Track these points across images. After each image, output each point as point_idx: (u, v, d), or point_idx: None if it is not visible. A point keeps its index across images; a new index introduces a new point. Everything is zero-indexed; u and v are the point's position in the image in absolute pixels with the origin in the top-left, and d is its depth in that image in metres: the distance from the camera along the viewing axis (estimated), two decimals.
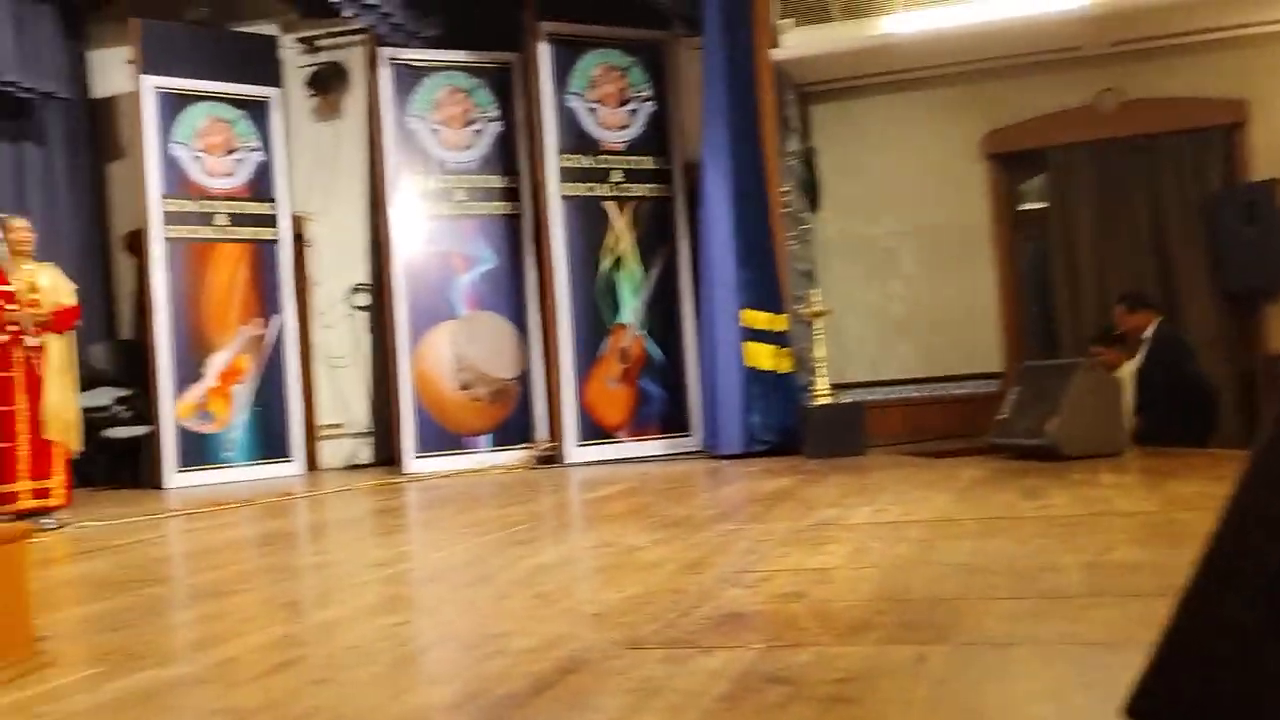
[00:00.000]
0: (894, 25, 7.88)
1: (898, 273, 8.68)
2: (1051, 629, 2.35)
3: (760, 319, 7.80)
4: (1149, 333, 7.01)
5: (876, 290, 8.69)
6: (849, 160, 8.69)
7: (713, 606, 2.81)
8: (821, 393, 7.57)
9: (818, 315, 7.71)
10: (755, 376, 7.73)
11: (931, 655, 2.17)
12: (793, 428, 7.60)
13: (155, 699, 2.25)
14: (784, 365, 7.79)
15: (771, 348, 7.78)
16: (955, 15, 7.73)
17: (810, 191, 8.72)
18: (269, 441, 8.86)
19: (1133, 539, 3.46)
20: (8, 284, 6.51)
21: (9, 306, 6.44)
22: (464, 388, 8.67)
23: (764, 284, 7.85)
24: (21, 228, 6.70)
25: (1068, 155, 8.33)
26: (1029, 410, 6.26)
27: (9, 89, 8.63)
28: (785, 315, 7.82)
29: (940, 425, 8.20)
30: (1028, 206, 8.75)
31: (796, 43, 8.02)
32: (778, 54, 8.00)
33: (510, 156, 8.90)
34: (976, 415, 7.61)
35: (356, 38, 9.24)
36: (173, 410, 8.45)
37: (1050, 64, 8.16)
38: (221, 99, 8.91)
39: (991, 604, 2.62)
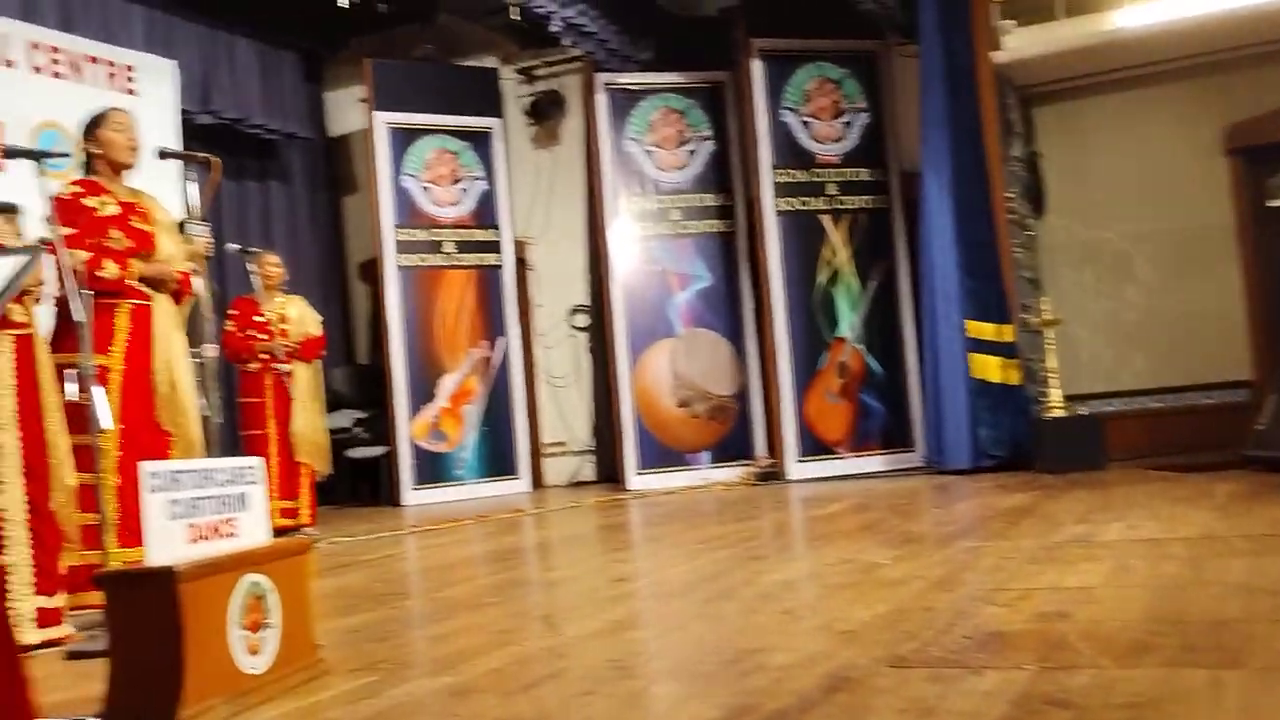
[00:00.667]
0: (1122, 20, 7.54)
1: (1132, 278, 8.27)
2: None
3: (986, 329, 7.56)
4: None
5: (1109, 297, 8.30)
6: (1076, 163, 8.34)
7: (971, 625, 2.73)
8: (1054, 404, 7.29)
9: (1048, 324, 7.43)
10: (982, 389, 7.50)
11: (1227, 680, 2.04)
12: (1024, 441, 7.34)
13: (433, 707, 2.34)
14: (1012, 377, 7.53)
15: (999, 359, 7.54)
16: (1189, 5, 7.33)
17: (1035, 196, 8.42)
18: (497, 459, 9.14)
19: None
20: (260, 315, 6.95)
21: (260, 336, 6.88)
22: (683, 405, 8.74)
23: (989, 293, 7.61)
24: (272, 263, 7.15)
25: None
26: None
27: (256, 131, 9.23)
28: (1012, 325, 7.56)
29: (1184, 438, 7.74)
30: (1278, 203, 8.19)
31: (1018, 44, 7.77)
32: (999, 56, 7.77)
33: (724, 174, 8.95)
34: (1223, 427, 7.16)
35: (573, 65, 9.48)
36: (408, 430, 8.83)
37: None
38: (447, 131, 9.28)
39: None
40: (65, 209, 3.65)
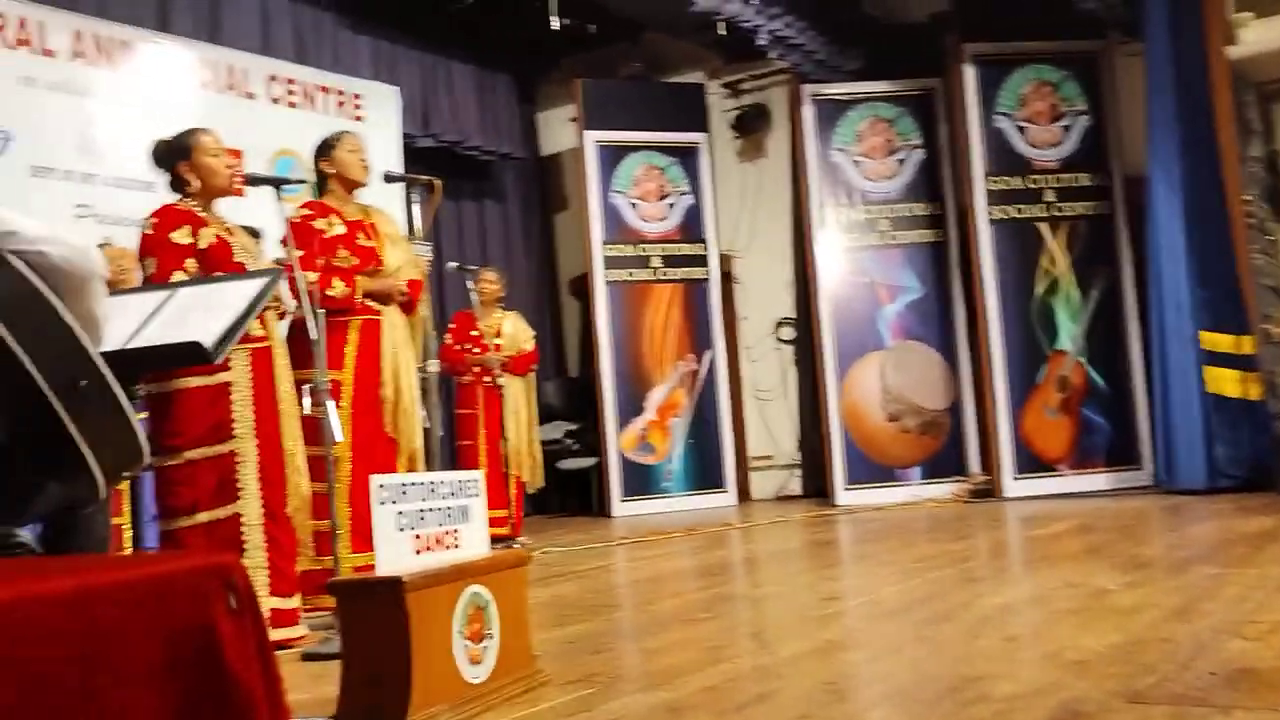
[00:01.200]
0: None
1: None
2: None
3: (1222, 341, 7.11)
4: None
5: None
6: None
7: (1216, 660, 2.55)
8: None
9: None
10: (1218, 404, 7.05)
11: None
12: (1265, 461, 6.86)
13: None
14: (1252, 391, 7.05)
15: (1237, 372, 7.07)
16: None
17: (1277, 200, 7.86)
18: (703, 472, 9.16)
19: None
20: (476, 330, 7.19)
21: (474, 350, 7.11)
22: (892, 419, 8.56)
23: (1225, 303, 7.15)
24: (489, 279, 7.40)
25: None
26: None
27: (473, 152, 9.56)
28: (1252, 336, 7.08)
29: None
30: None
31: (1256, 38, 7.28)
32: (1234, 51, 7.30)
33: (935, 183, 8.73)
34: None
35: (779, 78, 9.44)
36: (617, 442, 8.95)
37: None
38: (654, 147, 9.39)
39: None
40: (297, 231, 3.86)
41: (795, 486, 9.53)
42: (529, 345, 7.43)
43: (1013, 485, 7.97)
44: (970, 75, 8.24)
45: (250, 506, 3.54)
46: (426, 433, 4.10)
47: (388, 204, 4.84)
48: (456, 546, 2.64)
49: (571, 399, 9.83)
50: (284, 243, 3.59)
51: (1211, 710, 2.12)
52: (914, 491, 8.29)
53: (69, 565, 0.86)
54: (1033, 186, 8.21)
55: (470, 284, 7.05)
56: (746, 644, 3.23)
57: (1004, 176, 8.20)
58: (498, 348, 7.16)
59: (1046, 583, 3.94)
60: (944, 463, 8.49)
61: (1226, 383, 7.06)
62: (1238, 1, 7.29)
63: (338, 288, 4.03)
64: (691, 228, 9.43)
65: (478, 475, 2.76)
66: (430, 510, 2.58)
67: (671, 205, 9.40)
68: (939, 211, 8.70)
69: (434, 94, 9.19)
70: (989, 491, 8.09)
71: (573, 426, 9.51)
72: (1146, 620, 3.07)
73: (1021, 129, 8.24)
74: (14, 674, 0.74)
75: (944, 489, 8.26)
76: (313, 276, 3.87)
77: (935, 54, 8.59)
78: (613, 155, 9.29)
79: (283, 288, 3.54)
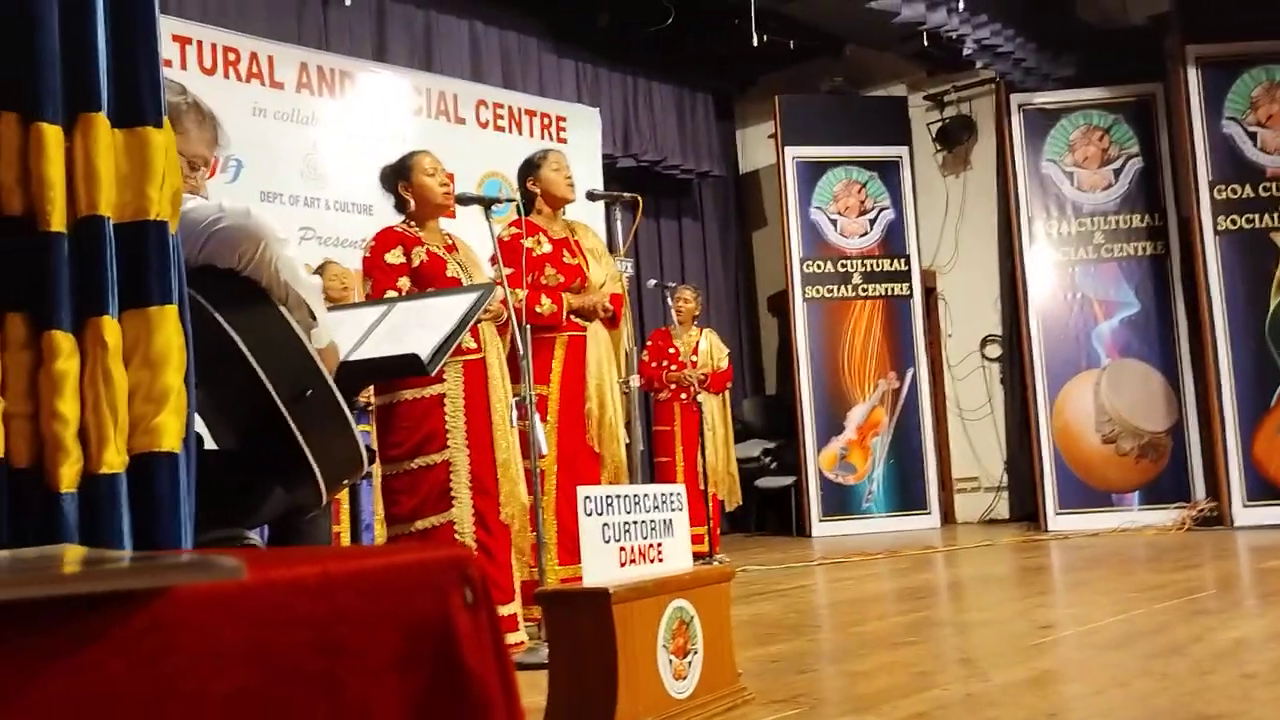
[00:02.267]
0: None
1: None
2: None
3: None
4: None
5: None
6: None
7: None
8: None
9: None
10: None
11: None
12: None
13: None
14: None
15: None
16: None
17: None
18: (905, 493, 8.94)
19: None
20: (673, 347, 7.23)
21: (672, 367, 7.15)
22: (1108, 441, 8.15)
23: None
24: (686, 297, 7.44)
25: None
26: None
27: (672, 171, 9.64)
28: None
29: None
30: None
31: None
32: None
33: (1154, 193, 8.29)
34: None
35: (983, 89, 9.18)
36: (816, 461, 8.83)
37: None
38: (854, 162, 9.25)
39: None
40: (506, 250, 3.96)
41: (1002, 510, 9.19)
42: (724, 363, 7.43)
43: (1242, 513, 7.47)
44: (1194, 79, 7.80)
45: (463, 515, 3.63)
46: (628, 448, 4.13)
47: (591, 222, 4.91)
48: (660, 560, 2.64)
49: (769, 417, 9.77)
50: (493, 261, 3.68)
51: None
52: (1131, 517, 7.87)
53: (311, 554, 0.89)
54: (1265, 195, 7.71)
55: (668, 301, 7.11)
56: (956, 670, 3.11)
57: (1232, 185, 7.72)
58: (695, 365, 7.18)
59: None
60: (1164, 488, 8.03)
61: None
62: None
63: (545, 305, 4.12)
64: (893, 243, 9.24)
65: (680, 489, 2.75)
66: (635, 523, 2.59)
67: (872, 220, 9.24)
68: (1159, 223, 8.27)
69: (634, 114, 9.31)
70: (1215, 519, 7.61)
71: (771, 445, 9.44)
72: None
73: (1253, 134, 7.75)
74: (260, 658, 0.76)
75: (1164, 515, 7.81)
76: (521, 294, 3.96)
77: (1155, 58, 8.19)
78: (812, 171, 9.20)
79: (505, 303, 3.63)
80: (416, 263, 3.72)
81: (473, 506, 3.65)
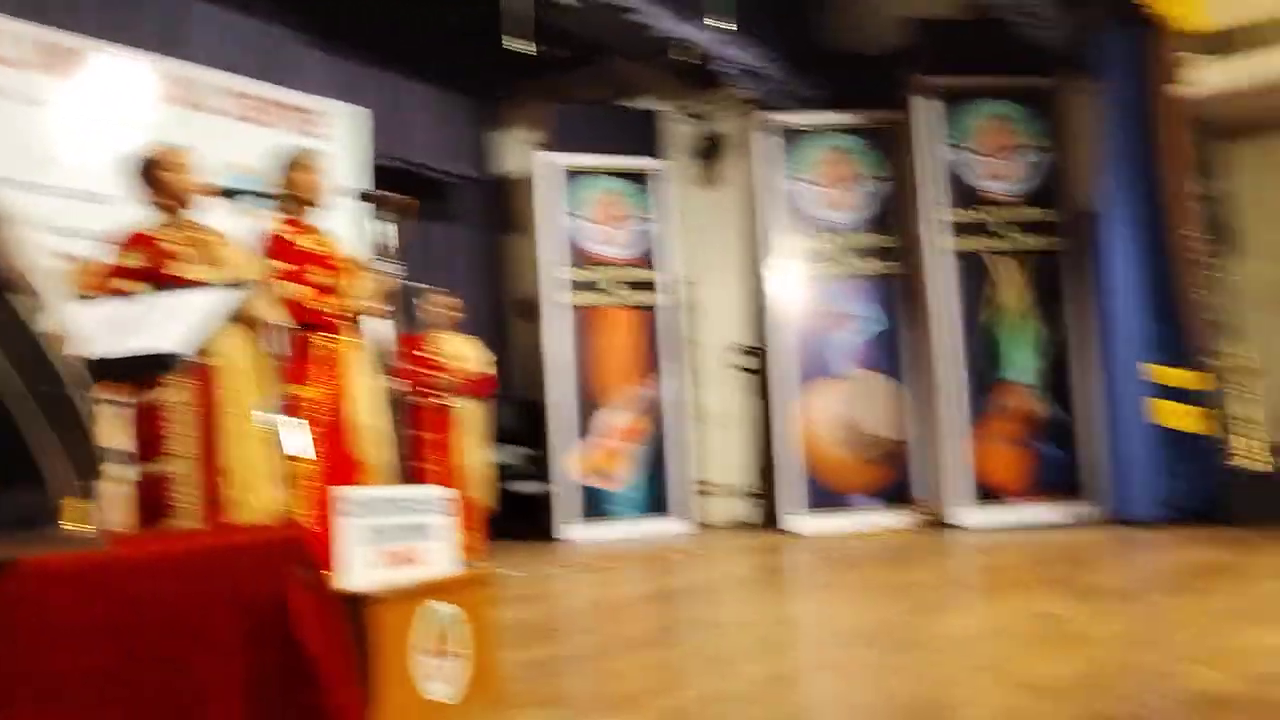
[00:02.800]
0: None
1: None
2: None
3: (1173, 375, 7.23)
4: None
5: None
6: (1271, 202, 7.92)
7: (1180, 686, 2.57)
8: (1250, 456, 6.89)
9: (1244, 371, 7.05)
10: (1168, 438, 7.16)
11: None
12: (1215, 494, 6.96)
13: None
14: (1202, 426, 7.16)
15: (1187, 406, 7.18)
16: None
17: (1225, 237, 8.02)
18: (658, 498, 9.12)
19: None
20: (427, 351, 7.13)
21: (427, 373, 7.05)
22: (848, 448, 8.58)
23: (1174, 338, 7.28)
24: (441, 302, 7.34)
25: None
26: None
27: (430, 174, 9.49)
28: (1201, 371, 7.21)
29: None
30: None
31: (1206, 78, 7.44)
32: (1184, 92, 7.46)
33: (893, 214, 8.79)
34: None
35: (738, 106, 9.49)
36: (570, 467, 8.90)
37: None
38: (613, 173, 9.39)
39: None
40: (272, 246, 3.80)
41: (750, 514, 9.51)
42: (484, 367, 7.38)
43: (965, 515, 8.02)
44: (927, 108, 8.33)
45: (183, 524, 3.45)
46: (387, 452, 4.04)
47: (355, 225, 4.79)
48: (421, 563, 2.59)
49: (524, 423, 9.76)
50: (253, 256, 3.54)
51: None
52: (868, 520, 8.31)
53: (156, 536, 0.84)
54: (987, 220, 8.30)
55: (421, 306, 7.00)
56: (710, 668, 3.19)
57: (960, 210, 8.28)
58: (450, 370, 7.10)
59: (1008, 611, 3.95)
60: (898, 492, 8.51)
61: (1177, 417, 7.17)
62: (1186, 44, 7.45)
63: (299, 302, 3.98)
64: (650, 253, 9.43)
65: (449, 493, 2.72)
66: (395, 526, 2.54)
67: (630, 230, 9.39)
68: (897, 243, 8.77)
69: (392, 114, 9.12)
70: (940, 521, 8.13)
71: (525, 451, 9.44)
72: (1108, 648, 3.09)
73: (978, 163, 8.34)
74: (114, 637, 0.73)
75: (898, 518, 8.29)
76: (283, 291, 3.81)
77: (894, 86, 8.69)
78: (571, 179, 9.27)
79: (260, 302, 3.48)
80: (151, 262, 3.52)
81: (199, 516, 3.46)
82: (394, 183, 8.25)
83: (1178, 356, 7.25)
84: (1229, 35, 7.37)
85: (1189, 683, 2.59)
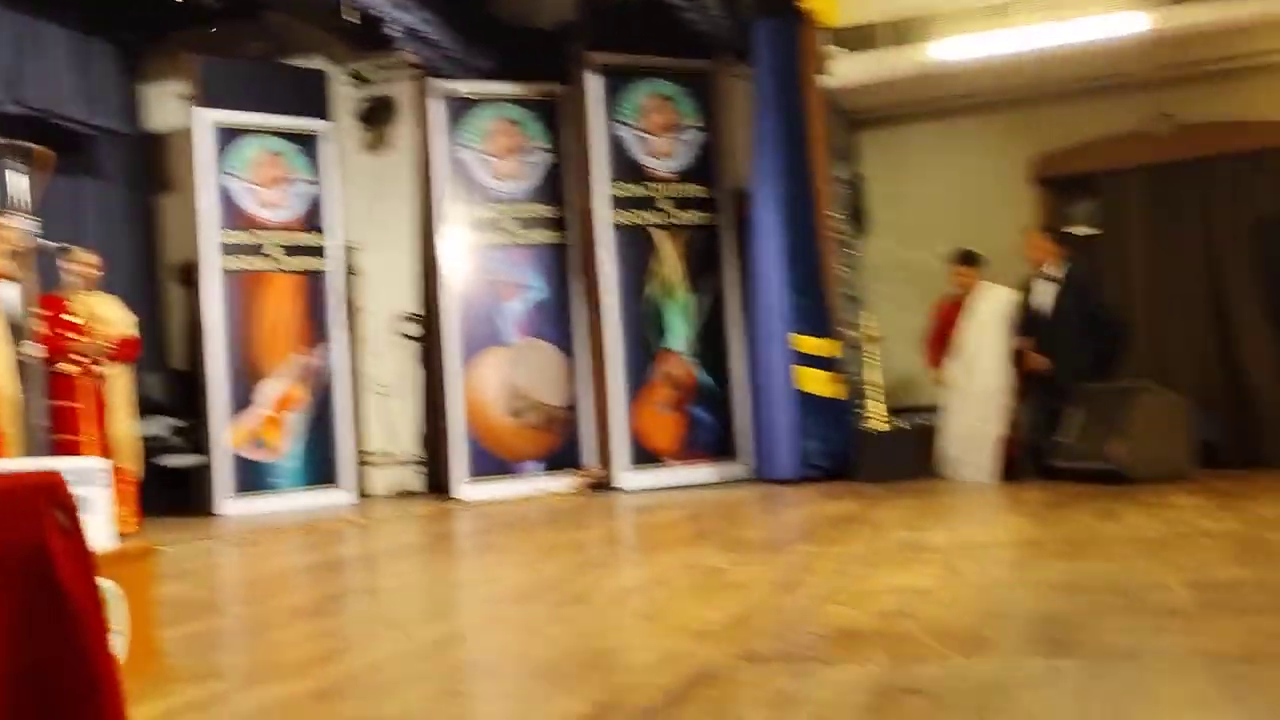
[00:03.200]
0: (942, 53, 7.91)
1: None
2: (1174, 643, 2.36)
3: (812, 344, 7.83)
4: (1062, 269, 7.05)
5: (926, 315, 8.68)
6: (898, 186, 8.72)
7: (820, 623, 2.83)
8: (876, 418, 7.58)
9: (869, 340, 7.74)
10: (808, 402, 7.75)
11: (1064, 668, 2.19)
12: (847, 453, 7.61)
13: (293, 711, 2.29)
14: (837, 391, 7.80)
15: (824, 373, 7.81)
16: (1004, 43, 7.76)
17: (858, 217, 8.76)
18: (320, 469, 8.91)
19: (1227, 558, 3.46)
20: (71, 314, 6.62)
21: (73, 337, 6.55)
22: (515, 415, 8.72)
23: (815, 310, 7.89)
24: (85, 261, 6.82)
25: (1119, 180, 8.33)
26: (1091, 434, 6.25)
27: (67, 124, 8.76)
28: (837, 340, 7.85)
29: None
30: (1075, 231, 8.73)
31: (845, 70, 8.07)
32: (827, 81, 8.06)
33: (560, 186, 8.98)
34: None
35: (407, 71, 9.35)
36: (227, 438, 8.52)
37: (1100, 89, 8.17)
38: (274, 133, 9.02)
39: (1106, 620, 2.63)
40: None
41: (416, 483, 9.47)
42: (130, 331, 6.94)
43: (626, 477, 8.35)
44: (594, 84, 8.55)
45: None
46: (27, 422, 3.75)
47: None
48: None
49: (177, 393, 9.24)
50: None
51: (821, 664, 2.36)
52: (534, 485, 8.49)
53: None
54: (650, 195, 8.64)
55: (63, 264, 6.48)
56: (377, 633, 3.20)
57: (624, 184, 8.57)
58: (96, 333, 6.63)
59: (666, 565, 4.18)
60: (563, 457, 8.75)
61: (815, 382, 7.77)
62: (830, 35, 8.05)
63: None
64: (313, 217, 9.13)
65: (104, 465, 2.57)
66: None
67: (292, 193, 9.07)
68: (563, 214, 8.96)
69: (24, 59, 8.34)
70: (604, 484, 8.43)
71: (178, 422, 8.95)
72: (757, 593, 3.34)
73: (641, 139, 8.66)
74: None
75: (563, 482, 8.52)
76: None
77: (562, 61, 8.85)
78: (228, 137, 8.82)
79: None
80: None
81: None
82: (27, 133, 7.60)
83: (818, 327, 7.86)
84: (863, 31, 8.02)
85: (828, 620, 2.85)
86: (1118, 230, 8.35)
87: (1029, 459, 6.90)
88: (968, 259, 7.62)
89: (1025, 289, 7.26)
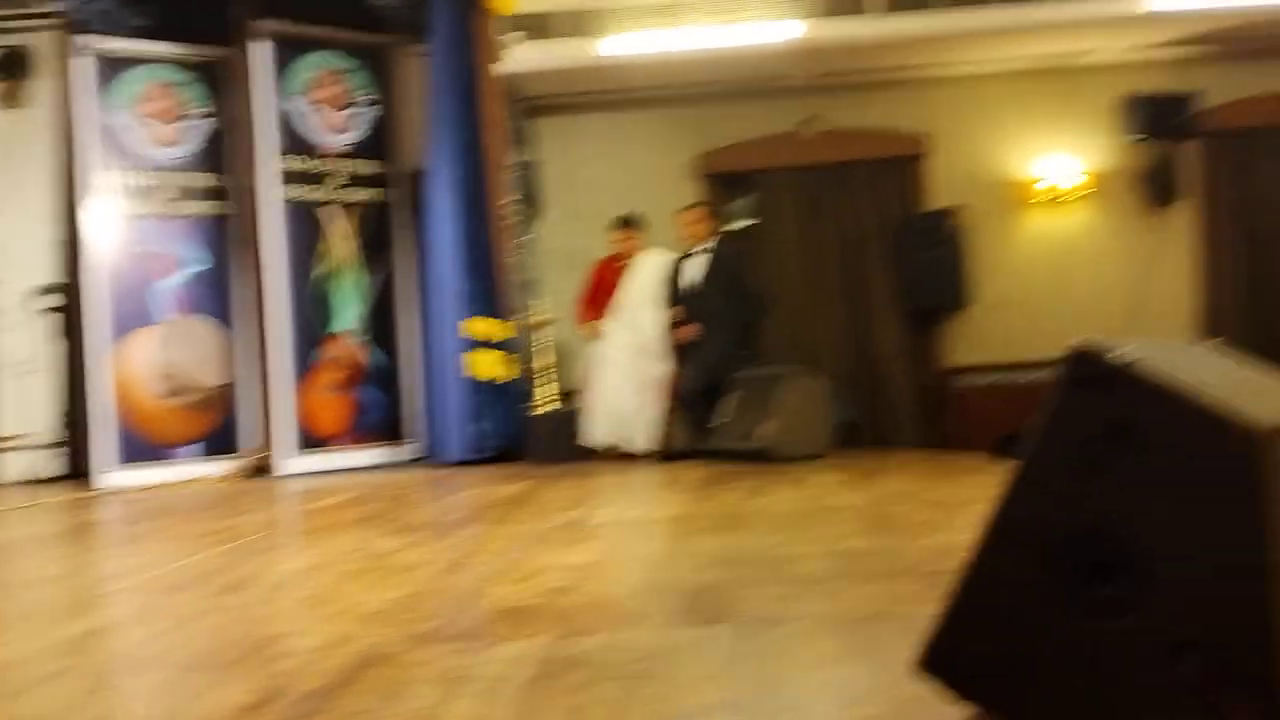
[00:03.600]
0: (614, 46, 8.17)
1: None
2: (814, 608, 2.58)
3: (484, 327, 7.88)
4: (711, 244, 7.56)
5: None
6: (571, 173, 8.92)
7: (488, 603, 2.88)
8: (544, 401, 7.74)
9: (540, 325, 7.89)
10: (479, 385, 7.80)
11: (716, 634, 2.34)
12: (516, 435, 7.73)
13: None
14: (508, 373, 7.90)
15: (495, 356, 7.88)
16: (671, 41, 8.11)
17: (533, 203, 8.89)
18: None
19: (858, 530, 3.80)
20: None
21: None
22: (169, 395, 8.24)
23: (488, 293, 7.95)
24: None
25: (772, 178, 8.91)
26: (743, 416, 6.66)
27: None
28: (509, 324, 7.95)
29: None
30: (737, 224, 9.26)
31: (522, 57, 8.17)
32: (503, 67, 8.12)
33: (223, 156, 8.53)
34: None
35: (48, 22, 8.60)
36: None
37: (759, 92, 8.70)
38: None
39: (753, 589, 2.83)
40: None
41: (56, 467, 8.76)
42: None
43: (290, 461, 8.09)
44: (262, 52, 8.19)
45: None
46: None
47: None
48: None
49: None
50: None
51: (488, 642, 2.41)
52: (191, 470, 8.06)
53: None
54: (321, 170, 8.38)
55: None
56: (22, 627, 2.97)
57: (294, 157, 8.27)
58: None
59: (332, 549, 4.11)
60: (222, 440, 8.35)
61: (486, 365, 7.83)
62: (509, 22, 8.12)
63: None
64: None
65: None
66: None
67: None
68: (227, 185, 8.53)
69: None
70: (267, 468, 8.13)
71: None
72: (425, 575, 3.36)
73: (312, 112, 8.38)
74: None
75: (223, 466, 8.14)
76: None
77: (228, 24, 8.42)
78: None
79: None
80: None
81: None
82: None
83: (490, 310, 7.92)
84: (540, 20, 8.15)
85: (494, 600, 2.91)
86: (771, 224, 8.93)
87: (687, 434, 7.25)
88: (628, 222, 7.87)
89: (677, 264, 7.57)
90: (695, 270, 7.46)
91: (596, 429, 7.44)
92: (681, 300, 7.43)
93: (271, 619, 2.84)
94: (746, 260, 7.86)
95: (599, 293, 7.83)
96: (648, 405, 7.31)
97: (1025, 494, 1.56)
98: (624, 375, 7.42)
